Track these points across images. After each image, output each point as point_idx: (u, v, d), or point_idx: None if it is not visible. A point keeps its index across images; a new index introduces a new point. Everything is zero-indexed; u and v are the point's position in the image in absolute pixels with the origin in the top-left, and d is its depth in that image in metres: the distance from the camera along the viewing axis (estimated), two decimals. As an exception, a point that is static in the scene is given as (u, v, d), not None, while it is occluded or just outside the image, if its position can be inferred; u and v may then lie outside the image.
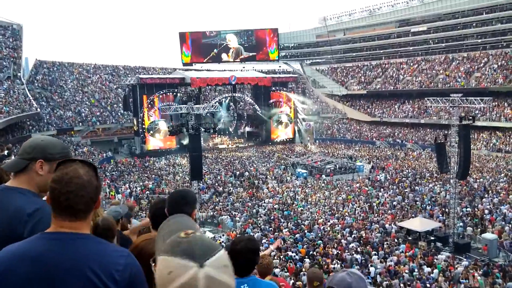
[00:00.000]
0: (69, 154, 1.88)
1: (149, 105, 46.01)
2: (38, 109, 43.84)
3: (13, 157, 6.20)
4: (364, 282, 1.77)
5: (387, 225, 21.08)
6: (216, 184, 31.76)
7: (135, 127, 47.58)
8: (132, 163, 42.63)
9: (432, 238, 19.53)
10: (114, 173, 37.47)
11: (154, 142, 46.84)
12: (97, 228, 3.09)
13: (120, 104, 51.88)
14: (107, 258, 1.39)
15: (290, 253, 17.15)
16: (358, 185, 30.48)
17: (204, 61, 64.59)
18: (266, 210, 24.89)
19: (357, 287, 1.73)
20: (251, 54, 65.35)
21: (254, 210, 25.02)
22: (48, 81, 53.12)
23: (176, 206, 2.18)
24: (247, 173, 34.62)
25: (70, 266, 1.34)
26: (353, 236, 19.51)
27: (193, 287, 0.91)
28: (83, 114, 50.43)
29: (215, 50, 64.34)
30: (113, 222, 3.13)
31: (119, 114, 52.57)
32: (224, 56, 65.18)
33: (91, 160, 40.77)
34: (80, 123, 48.99)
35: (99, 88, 56.61)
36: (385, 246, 18.26)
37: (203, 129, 28.50)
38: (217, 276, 0.93)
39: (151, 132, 46.16)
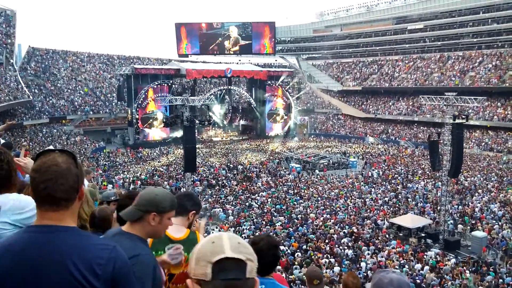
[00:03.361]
0: (175, 206, 2.06)
1: (144, 96, 45.65)
2: (31, 97, 43.42)
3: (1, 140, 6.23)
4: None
5: (378, 221, 21.24)
6: (210, 176, 31.73)
7: (129, 117, 47.30)
8: (125, 153, 42.43)
9: (422, 234, 19.71)
10: (106, 163, 37.28)
11: (155, 132, 46.74)
12: (94, 218, 3.07)
13: (114, 94, 51.53)
14: (89, 252, 1.37)
15: (282, 247, 17.22)
16: (351, 180, 30.62)
17: (210, 48, 64.61)
18: (259, 203, 24.93)
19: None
20: (247, 42, 65.28)
21: (247, 204, 25.05)
22: (41, 68, 52.59)
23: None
24: (240, 167, 34.61)
25: (51, 260, 1.33)
26: (344, 231, 19.63)
27: (219, 237, 1.10)
28: (76, 103, 50.02)
29: (220, 39, 64.37)
30: (109, 212, 3.10)
31: (112, 104, 52.23)
32: (220, 46, 65.12)
33: (83, 149, 40.64)
34: (73, 112, 48.62)
35: (92, 77, 56.14)
36: (376, 241, 18.41)
37: (197, 121, 28.37)
38: (237, 237, 1.12)
39: (149, 122, 45.92)
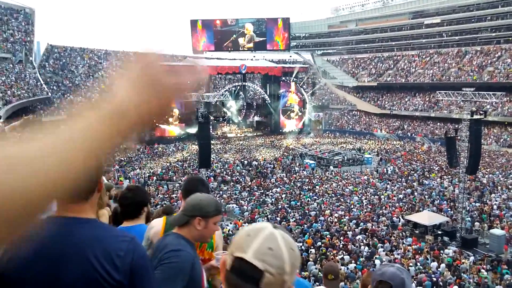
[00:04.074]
0: (221, 211, 2.16)
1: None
2: (49, 94, 44.15)
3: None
4: (410, 277, 1.80)
5: (394, 218, 21.08)
6: (224, 172, 31.88)
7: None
8: (141, 149, 42.85)
9: (439, 232, 19.50)
10: (123, 159, 37.68)
11: (170, 128, 47.02)
12: (116, 215, 3.13)
13: (130, 91, 51.99)
14: (109, 243, 1.38)
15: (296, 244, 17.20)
16: (366, 177, 30.42)
17: (224, 45, 64.61)
18: (273, 199, 24.98)
19: (408, 284, 1.74)
20: (262, 39, 65.22)
21: (261, 200, 25.11)
22: (59, 65, 53.39)
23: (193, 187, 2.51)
24: (255, 162, 34.68)
25: (71, 251, 1.34)
26: (359, 228, 19.54)
27: (258, 233, 0.96)
28: (93, 99, 50.60)
29: (234, 35, 64.51)
30: None
31: (129, 100, 52.71)
32: (234, 43, 65.18)
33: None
34: (90, 109, 49.21)
35: (109, 74, 56.73)
36: (391, 238, 18.28)
37: (212, 118, 28.48)
38: (278, 240, 0.96)
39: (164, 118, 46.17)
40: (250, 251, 0.93)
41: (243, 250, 0.94)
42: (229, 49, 65.70)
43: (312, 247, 16.94)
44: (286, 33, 66.19)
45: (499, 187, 25.95)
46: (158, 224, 2.48)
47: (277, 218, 21.36)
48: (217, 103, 38.28)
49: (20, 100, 36.14)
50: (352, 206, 23.28)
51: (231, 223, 20.90)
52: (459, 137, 21.61)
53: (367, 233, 18.81)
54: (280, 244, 0.95)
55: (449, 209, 22.40)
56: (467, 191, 21.93)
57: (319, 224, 20.12)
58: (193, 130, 42.08)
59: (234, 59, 62.10)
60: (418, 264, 15.47)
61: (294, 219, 21.09)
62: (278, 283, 0.92)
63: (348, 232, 18.75)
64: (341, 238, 18.12)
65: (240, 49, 65.99)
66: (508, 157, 36.15)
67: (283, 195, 25.72)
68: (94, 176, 1.39)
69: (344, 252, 16.53)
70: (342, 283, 12.83)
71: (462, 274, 14.75)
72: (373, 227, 19.63)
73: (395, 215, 21.45)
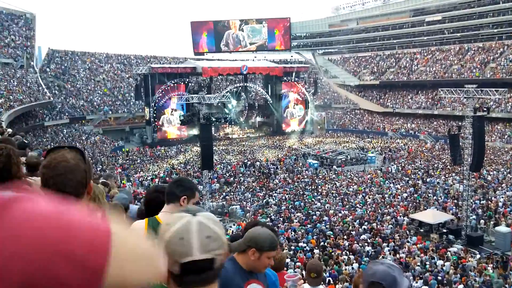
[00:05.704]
0: (275, 247, 2.24)
1: (161, 95, 45.99)
2: (51, 98, 44.23)
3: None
4: (402, 272, 1.73)
5: (398, 217, 20.94)
6: (227, 173, 31.81)
7: (146, 116, 47.76)
8: (143, 152, 42.88)
9: (444, 230, 19.35)
10: (125, 162, 37.71)
11: (172, 130, 47.14)
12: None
13: (132, 93, 52.11)
14: None
15: (300, 244, 17.15)
16: (369, 176, 30.28)
17: (223, 45, 64.55)
18: (276, 200, 24.87)
19: (400, 281, 1.69)
20: (262, 39, 65.19)
21: (265, 200, 25.02)
22: (61, 70, 53.51)
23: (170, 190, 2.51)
24: (258, 163, 34.59)
25: None
26: (363, 227, 19.41)
27: (188, 230, 0.99)
28: (95, 103, 50.76)
29: (234, 36, 64.57)
30: (121, 210, 3.12)
31: (130, 103, 52.83)
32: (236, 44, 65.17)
33: (103, 149, 41.24)
34: (92, 112, 49.35)
35: (111, 77, 56.87)
36: (396, 237, 18.15)
37: (214, 119, 28.42)
38: (207, 223, 1.02)
39: (166, 120, 46.34)
40: (195, 250, 0.98)
41: (188, 253, 0.98)
42: (229, 50, 65.65)
43: (316, 247, 16.84)
44: (287, 33, 66.11)
45: (504, 184, 25.76)
46: (140, 227, 2.38)
47: (280, 218, 21.27)
48: (219, 104, 38.20)
49: (22, 105, 36.18)
50: (356, 206, 23.15)
51: (234, 225, 20.83)
52: (462, 134, 21.47)
53: (371, 233, 18.69)
54: (211, 226, 1.01)
55: (454, 207, 22.25)
56: (471, 188, 21.74)
57: (323, 224, 20.01)
58: (195, 132, 42.15)
59: (235, 60, 62.06)
60: (427, 263, 15.29)
61: (297, 219, 20.98)
62: (223, 257, 1.04)
63: (352, 232, 18.63)
64: (345, 238, 18.01)
65: (240, 50, 65.98)
66: (512, 154, 35.89)
67: (287, 196, 25.62)
68: (82, 179, 1.47)
69: (348, 252, 16.42)
70: (346, 283, 12.73)
71: (470, 272, 14.60)
72: (378, 226, 19.51)
73: (399, 214, 21.31)
